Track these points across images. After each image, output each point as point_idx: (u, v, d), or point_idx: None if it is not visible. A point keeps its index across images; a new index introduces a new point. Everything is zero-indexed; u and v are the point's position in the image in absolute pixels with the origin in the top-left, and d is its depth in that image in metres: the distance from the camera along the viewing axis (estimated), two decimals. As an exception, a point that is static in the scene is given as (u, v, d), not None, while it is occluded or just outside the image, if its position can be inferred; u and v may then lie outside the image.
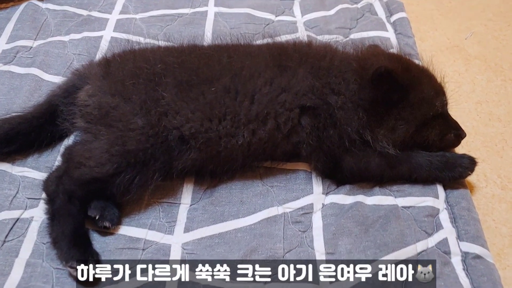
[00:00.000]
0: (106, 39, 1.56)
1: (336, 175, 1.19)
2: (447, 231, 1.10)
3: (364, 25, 1.65)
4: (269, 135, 1.14)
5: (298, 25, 1.66)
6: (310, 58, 1.19)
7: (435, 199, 1.17)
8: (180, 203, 1.16)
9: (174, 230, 1.11)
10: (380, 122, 1.15)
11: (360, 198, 1.17)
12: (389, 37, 1.60)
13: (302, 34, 1.61)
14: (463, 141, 1.26)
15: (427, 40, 1.68)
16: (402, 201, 1.17)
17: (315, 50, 1.22)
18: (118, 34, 1.57)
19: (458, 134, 1.22)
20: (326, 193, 1.19)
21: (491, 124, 1.42)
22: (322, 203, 1.17)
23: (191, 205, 1.16)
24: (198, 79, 1.12)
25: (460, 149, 1.31)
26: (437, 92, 1.18)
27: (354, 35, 1.62)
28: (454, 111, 1.35)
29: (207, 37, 1.56)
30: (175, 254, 1.06)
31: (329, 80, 1.16)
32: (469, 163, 1.19)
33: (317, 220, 1.14)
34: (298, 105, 1.15)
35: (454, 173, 1.18)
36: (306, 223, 1.13)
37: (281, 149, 1.18)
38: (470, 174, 1.19)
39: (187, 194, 1.18)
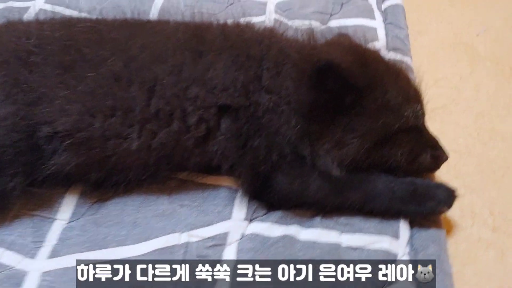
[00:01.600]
0: (34, 10, 1.30)
1: (265, 197, 0.89)
2: (400, 289, 0.80)
3: (348, 10, 1.36)
4: (175, 140, 0.86)
5: (268, 7, 1.36)
6: (237, 44, 0.90)
7: (393, 239, 0.86)
8: (55, 218, 0.90)
9: (37, 253, 0.84)
10: (323, 133, 0.86)
11: (293, 230, 0.89)
12: (375, 27, 1.30)
13: (268, 18, 1.32)
14: (451, 164, 0.98)
15: (427, 34, 1.37)
16: (348, 239, 0.88)
17: (249, 35, 0.92)
18: (50, 6, 1.31)
19: (436, 156, 0.90)
20: (251, 219, 0.90)
21: (491, 144, 1.10)
22: (242, 233, 0.88)
23: (68, 222, 0.90)
24: (81, 61, 0.85)
25: (445, 174, 1.01)
26: (407, 98, 0.88)
27: (335, 22, 1.32)
28: (447, 123, 1.05)
29: (153, 15, 1.29)
30: (30, 284, 0.81)
31: (259, 74, 0.88)
32: (446, 196, 0.89)
33: (229, 256, 0.85)
34: (215, 104, 0.87)
35: (423, 207, 0.88)
36: (213, 259, 0.84)
37: (194, 159, 0.89)
38: (445, 211, 0.89)
39: (67, 208, 0.91)
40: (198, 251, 0.86)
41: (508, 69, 1.26)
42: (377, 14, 1.33)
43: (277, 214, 0.91)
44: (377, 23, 1.30)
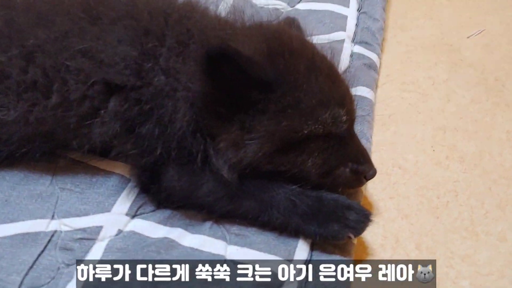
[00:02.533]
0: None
1: (152, 192, 0.79)
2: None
3: (322, -6, 1.19)
4: (54, 115, 0.76)
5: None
6: (139, 14, 0.78)
7: (284, 262, 0.74)
8: None
9: None
10: (219, 129, 0.74)
11: (177, 233, 0.79)
12: (346, 15, 1.14)
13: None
14: (389, 182, 0.90)
15: (410, 30, 1.21)
16: (234, 252, 0.77)
17: (158, 5, 0.80)
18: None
19: (358, 171, 0.77)
20: (134, 215, 0.79)
21: (445, 164, 0.94)
22: (119, 229, 0.77)
23: None
24: None
25: (379, 192, 0.87)
26: (327, 101, 0.75)
27: (304, 5, 1.17)
28: (400, 134, 0.91)
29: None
30: None
31: (158, 52, 0.76)
32: (356, 221, 0.76)
33: (94, 253, 0.75)
34: (102, 80, 0.76)
35: (325, 229, 0.76)
36: (77, 254, 0.75)
37: (79, 140, 0.78)
38: (351, 238, 0.76)
39: None
40: (63, 242, 0.76)
41: (492, 80, 1.09)
42: (353, 2, 1.18)
43: (165, 213, 0.81)
44: (350, 11, 1.16)
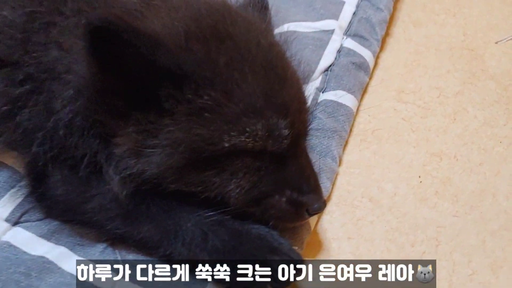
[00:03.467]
0: None
1: (36, 196, 0.64)
2: None
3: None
4: None
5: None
6: None
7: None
8: None
9: None
10: (113, 129, 0.57)
11: (59, 252, 0.63)
12: (344, 0, 0.92)
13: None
14: (347, 217, 0.72)
15: (425, 27, 0.99)
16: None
17: None
18: None
19: (296, 201, 0.59)
20: (16, 222, 0.63)
21: (433, 202, 0.75)
22: (-6, 238, 0.61)
23: None
24: None
25: (336, 229, 0.69)
26: (260, 107, 0.56)
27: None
28: (380, 155, 0.73)
29: None
30: None
31: (54, 20, 0.60)
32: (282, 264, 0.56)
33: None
34: None
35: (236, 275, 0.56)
36: None
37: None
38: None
39: None
40: None
41: (516, 99, 0.86)
42: (356, -14, 0.96)
43: (51, 225, 0.65)
44: (350, -3, 0.94)
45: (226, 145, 0.55)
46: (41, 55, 0.59)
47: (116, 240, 0.63)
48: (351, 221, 0.72)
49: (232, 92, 0.54)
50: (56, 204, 0.63)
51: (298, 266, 0.58)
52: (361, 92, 0.85)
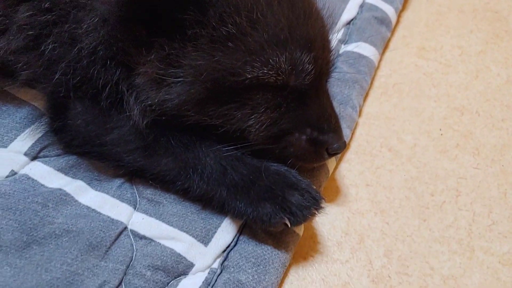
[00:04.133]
0: None
1: (58, 128, 0.64)
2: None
3: None
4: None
5: None
6: None
7: (197, 244, 0.57)
8: None
9: None
10: (133, 57, 0.57)
11: (76, 186, 0.63)
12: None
13: None
14: (366, 165, 0.71)
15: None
16: (138, 222, 0.60)
17: None
18: None
19: (319, 141, 0.58)
20: (35, 157, 0.64)
21: (454, 154, 0.73)
22: (12, 170, 0.63)
23: None
24: None
25: (354, 176, 0.70)
26: (285, 38, 0.55)
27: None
28: (400, 109, 0.71)
29: None
30: None
31: None
32: (299, 205, 0.58)
33: (-29, 194, 0.60)
34: None
35: (256, 209, 0.58)
36: None
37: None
38: (288, 226, 0.56)
39: None
40: None
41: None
42: None
43: (70, 160, 0.65)
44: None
45: (249, 76, 0.54)
46: None
47: (133, 174, 0.63)
48: (370, 169, 0.71)
49: (257, 21, 0.54)
50: (76, 135, 0.62)
51: (316, 202, 0.57)
52: (383, 46, 0.84)
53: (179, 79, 0.55)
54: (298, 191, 0.57)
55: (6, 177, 0.63)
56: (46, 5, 0.59)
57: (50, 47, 0.59)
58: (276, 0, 0.55)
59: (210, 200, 0.59)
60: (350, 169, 0.70)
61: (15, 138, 0.66)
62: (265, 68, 0.54)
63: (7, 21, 0.61)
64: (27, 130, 0.67)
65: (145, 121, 0.57)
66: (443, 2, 0.95)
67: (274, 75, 0.55)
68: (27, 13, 0.60)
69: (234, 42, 0.53)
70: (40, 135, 0.67)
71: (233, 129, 0.58)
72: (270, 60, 0.54)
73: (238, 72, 0.54)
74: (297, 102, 0.58)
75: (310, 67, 0.56)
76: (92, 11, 0.57)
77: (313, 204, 0.57)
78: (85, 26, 0.57)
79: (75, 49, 0.58)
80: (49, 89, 0.62)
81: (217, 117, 0.57)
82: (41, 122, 0.67)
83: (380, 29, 0.83)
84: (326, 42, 0.60)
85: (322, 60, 0.58)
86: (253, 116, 0.57)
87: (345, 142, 0.60)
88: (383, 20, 0.84)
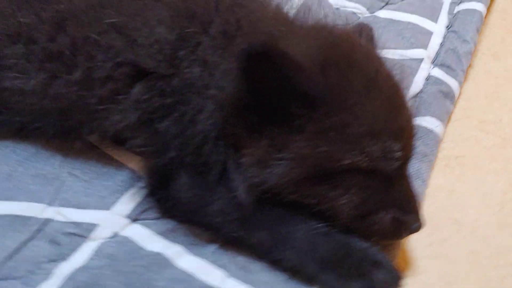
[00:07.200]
0: None
1: (160, 197, 0.71)
2: None
3: (410, 3, 1.05)
4: (74, 92, 0.69)
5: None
6: None
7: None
8: None
9: None
10: (245, 141, 0.64)
11: (174, 251, 0.69)
12: (432, 31, 0.99)
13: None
14: (433, 237, 0.76)
15: (504, 61, 1.03)
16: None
17: None
18: None
19: (401, 221, 0.65)
20: (135, 219, 0.70)
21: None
22: (115, 232, 0.69)
23: None
24: None
25: (422, 249, 0.76)
26: (380, 129, 0.62)
27: (385, 13, 1.02)
28: (463, 183, 0.78)
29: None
30: None
31: (199, 40, 0.67)
32: (383, 282, 0.64)
33: (81, 255, 0.68)
34: (132, 61, 0.68)
35: (344, 285, 0.63)
36: (64, 251, 0.68)
37: (96, 123, 0.71)
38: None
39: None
40: (53, 234, 0.69)
41: None
42: (443, 17, 1.02)
43: (169, 224, 0.71)
44: (437, 27, 1.00)
45: (346, 162, 0.61)
46: (186, 70, 0.66)
47: (228, 242, 0.70)
48: (437, 242, 0.76)
49: (358, 115, 0.61)
50: (178, 205, 0.69)
51: (397, 279, 0.64)
52: (447, 120, 0.90)
53: (283, 162, 0.62)
54: (382, 269, 0.64)
55: (110, 238, 0.69)
56: (161, 86, 0.67)
57: (164, 126, 0.67)
58: (375, 96, 0.62)
59: (300, 272, 0.66)
60: (418, 241, 0.76)
61: (117, 201, 0.73)
62: (361, 156, 0.61)
63: (123, 97, 0.69)
64: (127, 193, 0.74)
65: (249, 199, 0.64)
66: (500, 74, 1.01)
67: (367, 161, 0.61)
68: (144, 95, 0.68)
69: (336, 133, 0.61)
70: (139, 198, 0.73)
71: (325, 207, 0.64)
72: (366, 149, 0.61)
73: (337, 159, 0.61)
74: (384, 184, 0.64)
75: (399, 154, 0.63)
76: (209, 98, 0.64)
77: (395, 282, 0.63)
78: (202, 111, 0.64)
79: (190, 130, 0.65)
80: (156, 161, 0.69)
81: (311, 196, 0.64)
82: (141, 186, 0.74)
83: (445, 103, 0.89)
84: (412, 130, 0.67)
85: (408, 147, 0.65)
86: (345, 196, 0.64)
87: (422, 222, 0.67)
88: (447, 94, 0.90)
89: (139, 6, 0.69)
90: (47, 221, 0.70)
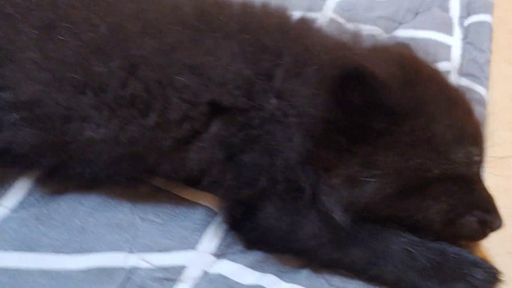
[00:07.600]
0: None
1: (245, 230, 0.70)
2: None
3: (422, 21, 1.11)
4: (148, 137, 0.69)
5: (327, 3, 1.15)
6: (254, 29, 0.72)
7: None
8: (-1, 203, 0.75)
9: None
10: (334, 162, 0.65)
11: (269, 280, 0.69)
12: (450, 44, 1.05)
13: (324, 15, 1.10)
14: (502, 234, 0.71)
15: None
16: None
17: (273, 21, 0.73)
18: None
19: (485, 221, 0.67)
20: (219, 255, 0.69)
21: None
22: (205, 270, 0.68)
23: (13, 210, 0.75)
24: (62, 21, 0.70)
25: (496, 247, 0.76)
26: (461, 138, 0.66)
27: (402, 32, 1.07)
28: None
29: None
30: None
31: (272, 72, 0.69)
32: (484, 280, 0.65)
33: (177, 297, 0.65)
34: (207, 100, 0.68)
35: (451, 288, 0.63)
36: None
37: (170, 165, 0.70)
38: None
39: (15, 193, 0.77)
40: (142, 281, 0.67)
41: None
42: (457, 30, 1.08)
43: (256, 255, 0.71)
44: (454, 40, 1.05)
45: (436, 172, 0.63)
46: (262, 102, 0.67)
47: (323, 265, 0.70)
48: (507, 238, 0.78)
49: (444, 126, 0.63)
50: (267, 235, 0.69)
51: (496, 275, 0.66)
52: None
53: (373, 179, 0.63)
54: (480, 268, 0.66)
55: (201, 277, 0.68)
56: (241, 120, 0.68)
57: (249, 158, 0.67)
58: (452, 106, 0.66)
59: (400, 283, 0.66)
60: (490, 241, 0.77)
61: (199, 239, 0.73)
62: (448, 164, 0.63)
63: (203, 135, 0.69)
64: (208, 230, 0.73)
65: (347, 218, 0.65)
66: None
67: (453, 168, 0.64)
68: (224, 131, 0.68)
69: (424, 144, 0.63)
70: (222, 234, 0.73)
71: (417, 220, 0.66)
72: (452, 157, 0.64)
73: (427, 170, 0.63)
74: (466, 188, 0.67)
75: (478, 158, 0.66)
76: (292, 126, 0.66)
77: (494, 278, 0.65)
78: (287, 139, 0.65)
79: (276, 160, 0.66)
80: (241, 193, 0.69)
81: (405, 210, 0.66)
82: (221, 221, 0.73)
83: (479, 110, 0.92)
84: (483, 134, 0.70)
85: (483, 150, 0.68)
86: (435, 205, 0.66)
87: (503, 219, 0.69)
88: (479, 101, 0.94)
89: (210, 46, 0.69)
90: (133, 270, 0.68)
